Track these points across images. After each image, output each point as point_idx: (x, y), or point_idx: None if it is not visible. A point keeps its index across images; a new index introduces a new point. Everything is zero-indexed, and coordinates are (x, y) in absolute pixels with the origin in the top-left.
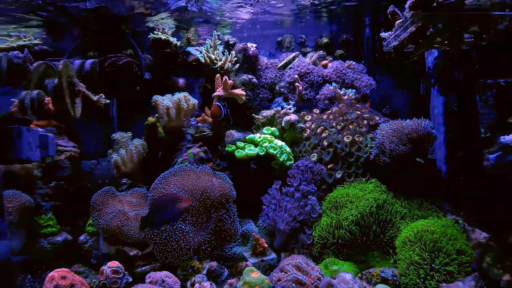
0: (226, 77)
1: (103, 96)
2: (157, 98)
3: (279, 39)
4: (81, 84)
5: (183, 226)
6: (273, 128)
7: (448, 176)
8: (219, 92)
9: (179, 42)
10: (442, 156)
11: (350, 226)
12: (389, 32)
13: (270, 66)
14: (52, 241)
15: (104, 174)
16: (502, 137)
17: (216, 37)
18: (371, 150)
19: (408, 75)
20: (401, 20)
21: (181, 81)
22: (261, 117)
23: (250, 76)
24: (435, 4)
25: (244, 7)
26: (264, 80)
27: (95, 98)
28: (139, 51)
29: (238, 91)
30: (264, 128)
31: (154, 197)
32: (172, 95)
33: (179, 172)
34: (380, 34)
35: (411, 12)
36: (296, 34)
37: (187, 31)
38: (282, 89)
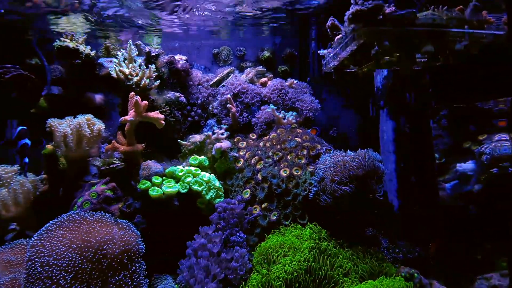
0: (138, 98)
1: None
2: (52, 122)
3: (215, 51)
4: None
5: None
6: (202, 157)
7: (401, 212)
8: (129, 116)
9: (94, 51)
10: (393, 189)
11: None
12: (328, 49)
13: (204, 82)
14: None
15: None
16: (458, 164)
17: (133, 47)
18: (310, 187)
19: (356, 95)
20: (341, 35)
21: (98, 97)
22: (189, 144)
23: (177, 94)
24: (381, 16)
25: (176, 12)
26: (197, 99)
27: None
28: (44, 61)
29: (154, 114)
30: (191, 158)
31: (33, 257)
32: (74, 118)
33: (66, 223)
34: (319, 52)
35: (351, 26)
36: (234, 46)
37: (107, 38)
38: (215, 110)
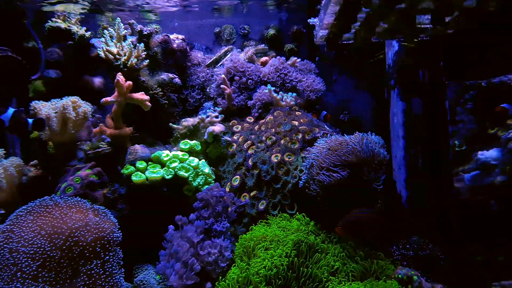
0: (121, 77)
1: None
2: (35, 104)
3: (217, 30)
4: None
5: None
6: (193, 142)
7: (409, 204)
8: (111, 97)
9: (89, 32)
10: (402, 178)
11: (261, 285)
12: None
13: (203, 62)
14: None
15: None
16: (480, 152)
17: (122, 26)
18: (300, 174)
19: (370, 75)
20: None
21: (97, 80)
22: (181, 127)
23: (171, 75)
24: None
25: None
26: (195, 80)
27: None
28: (39, 44)
29: (139, 95)
30: (181, 142)
31: (2, 243)
32: (61, 99)
33: (37, 209)
34: (308, 20)
35: None
36: (238, 25)
37: (104, 18)
38: (211, 91)
